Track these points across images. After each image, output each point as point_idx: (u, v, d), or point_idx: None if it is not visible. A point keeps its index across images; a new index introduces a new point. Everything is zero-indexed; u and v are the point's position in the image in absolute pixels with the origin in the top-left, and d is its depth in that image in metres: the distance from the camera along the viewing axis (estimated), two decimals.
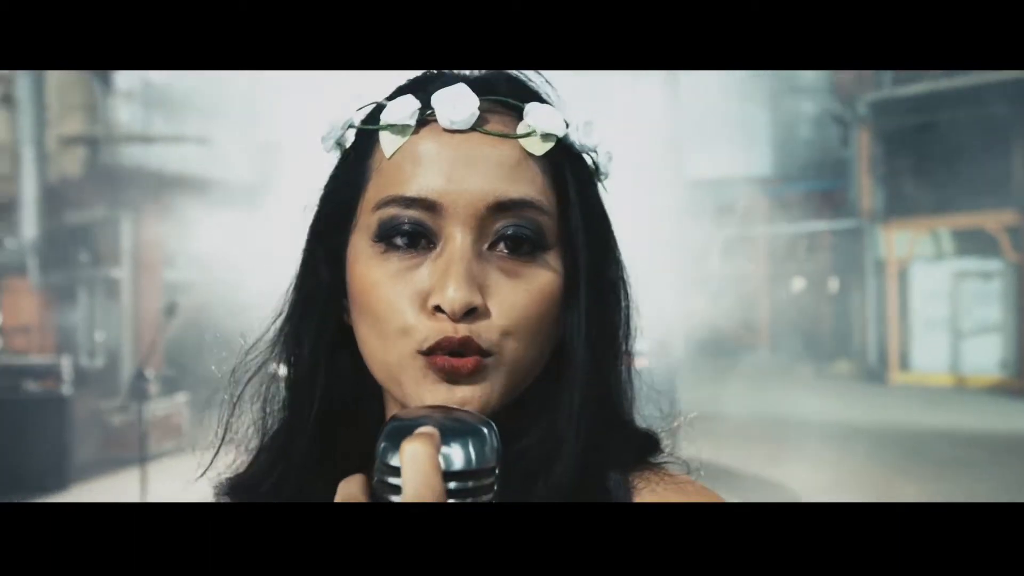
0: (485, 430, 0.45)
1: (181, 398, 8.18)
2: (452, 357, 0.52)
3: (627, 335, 0.61)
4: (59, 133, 13.09)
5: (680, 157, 13.56)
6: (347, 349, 0.58)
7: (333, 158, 0.61)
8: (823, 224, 15.50)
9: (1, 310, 12.41)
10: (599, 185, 0.61)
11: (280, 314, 0.61)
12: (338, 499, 0.45)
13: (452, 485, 0.43)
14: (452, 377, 0.52)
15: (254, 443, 0.64)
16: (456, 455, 0.44)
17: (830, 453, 7.69)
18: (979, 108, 12.69)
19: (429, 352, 0.52)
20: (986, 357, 13.13)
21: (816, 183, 15.63)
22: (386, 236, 0.54)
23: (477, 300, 0.52)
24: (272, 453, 0.61)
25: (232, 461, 0.64)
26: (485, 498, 0.45)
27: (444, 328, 0.52)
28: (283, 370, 0.61)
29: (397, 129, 0.55)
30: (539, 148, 0.55)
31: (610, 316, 0.59)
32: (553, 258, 0.55)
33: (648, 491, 0.57)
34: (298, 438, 0.59)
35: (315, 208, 0.61)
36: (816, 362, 14.93)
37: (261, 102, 10.22)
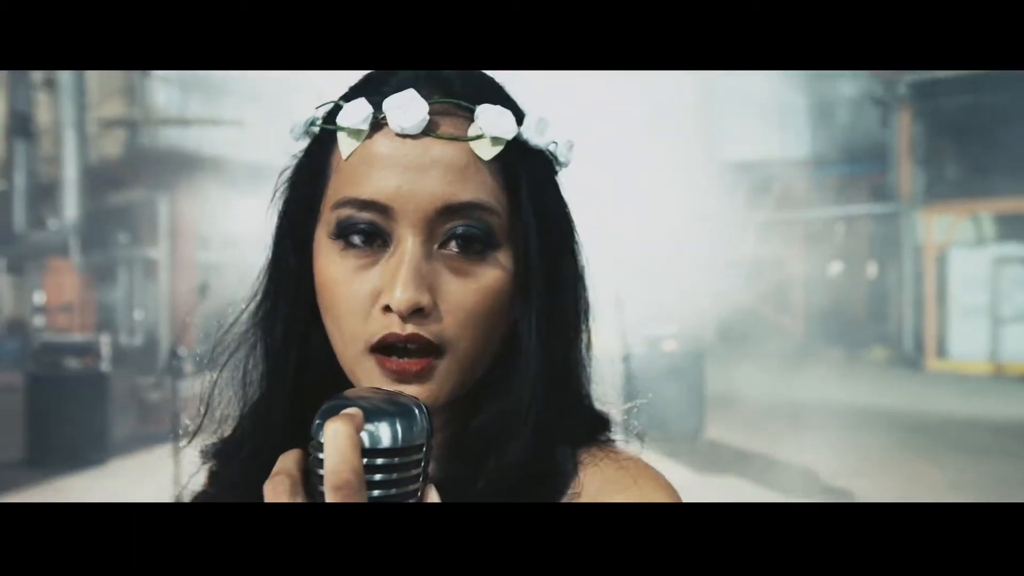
0: (415, 411, 0.48)
1: (214, 402, 8.35)
2: (401, 359, 0.55)
3: (582, 324, 0.63)
4: (99, 116, 13.34)
5: (716, 139, 13.42)
6: (321, 328, 0.61)
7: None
8: (861, 207, 15.23)
9: (44, 289, 12.74)
10: (557, 179, 0.63)
11: (254, 297, 0.64)
12: (273, 473, 0.48)
13: (380, 461, 0.46)
14: (401, 378, 0.55)
15: (235, 413, 0.67)
16: (384, 433, 0.47)
17: (860, 439, 7.61)
18: (1021, 89, 12.33)
19: (378, 348, 0.55)
20: None
21: (854, 166, 15.34)
22: (343, 235, 0.56)
23: (424, 300, 0.54)
24: (252, 421, 0.64)
25: (216, 429, 0.68)
26: (414, 472, 0.48)
27: (391, 324, 0.55)
28: (260, 348, 0.64)
29: (352, 133, 0.57)
30: (488, 152, 0.56)
31: (563, 309, 0.61)
32: (504, 256, 0.57)
33: (592, 467, 0.59)
34: (276, 408, 0.62)
35: (282, 197, 0.63)
36: (851, 348, 14.74)
37: (295, 85, 10.31)
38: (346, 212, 0.56)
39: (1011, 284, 13.15)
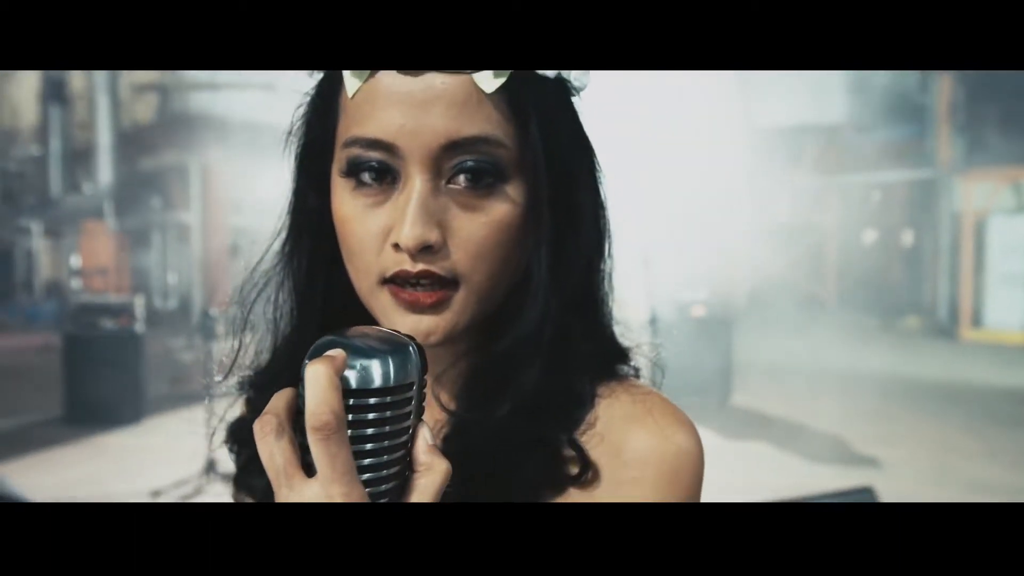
0: (409, 348, 0.48)
1: (247, 338, 8.48)
2: (415, 290, 0.55)
3: (601, 254, 0.62)
4: (131, 81, 13.44)
5: (752, 103, 13.18)
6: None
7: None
8: (898, 174, 14.91)
9: (80, 252, 12.96)
10: (571, 106, 0.61)
11: (279, 234, 0.65)
12: (264, 411, 0.47)
13: (372, 400, 0.46)
14: (415, 308, 0.56)
15: (268, 346, 0.69)
16: (375, 372, 0.46)
17: (891, 408, 7.54)
18: None
19: (391, 281, 0.56)
20: None
21: (892, 131, 14.99)
22: (353, 173, 0.56)
23: (432, 237, 0.54)
24: (285, 352, 0.66)
25: (251, 363, 0.69)
26: (406, 409, 0.47)
27: (402, 261, 0.55)
28: (288, 283, 0.65)
29: (354, 72, 0.56)
30: (490, 84, 0.55)
31: (577, 238, 0.60)
32: (514, 188, 0.57)
33: (608, 398, 0.59)
34: (307, 338, 0.62)
35: (297, 135, 0.63)
36: (884, 316, 14.54)
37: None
38: (354, 151, 0.56)
39: None
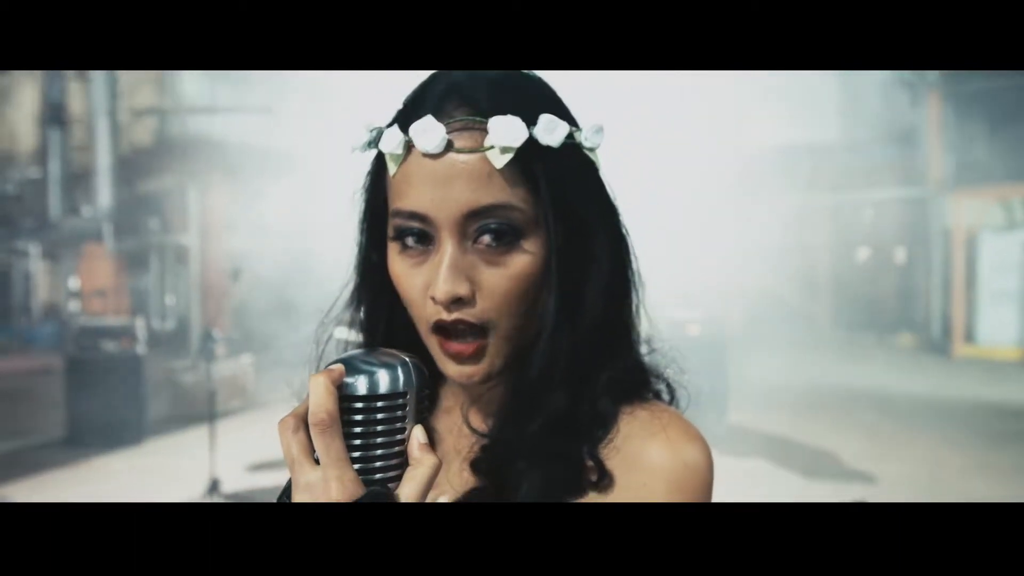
0: (397, 367, 0.60)
1: (246, 359, 8.52)
2: (457, 342, 0.66)
3: (623, 290, 0.71)
4: (130, 105, 13.54)
5: (744, 122, 13.33)
6: (402, 307, 0.72)
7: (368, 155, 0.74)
8: (889, 192, 15.06)
9: (79, 275, 13.01)
10: (585, 165, 0.70)
11: (347, 285, 0.77)
12: (287, 414, 0.60)
13: (358, 405, 0.58)
14: (460, 358, 0.67)
15: None
16: (360, 384, 0.58)
17: (885, 424, 7.61)
18: None
19: (436, 330, 0.67)
20: None
21: (883, 150, 15.16)
22: (399, 238, 0.68)
23: (462, 290, 0.64)
24: None
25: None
26: (399, 413, 0.59)
27: (440, 311, 0.66)
28: (358, 325, 0.77)
29: (391, 157, 0.67)
30: (500, 160, 0.64)
31: (592, 280, 0.69)
32: (530, 243, 0.66)
33: (628, 415, 0.68)
34: None
35: (359, 203, 0.74)
36: (878, 334, 14.63)
37: (320, 73, 10.41)
38: (398, 221, 0.68)
39: None
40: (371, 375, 0.58)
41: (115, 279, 12.84)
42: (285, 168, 11.51)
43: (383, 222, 0.70)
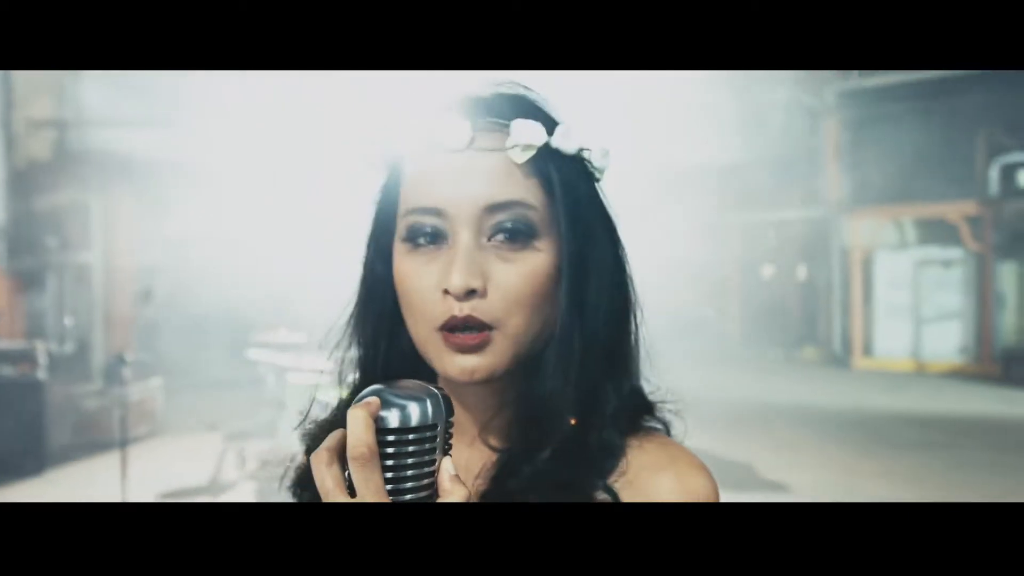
0: (426, 400, 0.59)
1: (155, 382, 8.18)
2: (463, 334, 0.65)
3: (624, 313, 0.73)
4: (26, 116, 12.88)
5: (652, 145, 13.71)
6: (405, 327, 0.72)
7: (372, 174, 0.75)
8: (792, 212, 15.76)
9: None
10: (593, 181, 0.73)
11: (352, 303, 0.76)
12: (320, 447, 0.59)
13: (391, 438, 0.58)
14: (463, 349, 0.66)
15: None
16: (392, 417, 0.58)
17: (796, 436, 7.92)
18: (943, 100, 12.99)
19: (442, 328, 0.66)
20: (946, 343, 13.51)
21: (786, 171, 15.87)
22: (412, 238, 0.68)
23: (476, 283, 0.65)
24: (345, 409, 0.75)
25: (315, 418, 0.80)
26: (428, 446, 0.59)
27: (452, 307, 0.65)
28: (354, 346, 0.76)
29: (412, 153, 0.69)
30: (520, 157, 0.67)
31: (595, 292, 0.70)
32: (544, 243, 0.67)
33: (637, 448, 0.69)
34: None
35: (370, 216, 0.75)
36: (784, 348, 15.24)
37: (222, 83, 10.17)
38: (413, 218, 0.68)
39: (931, 285, 13.81)
40: (403, 408, 0.58)
41: (9, 300, 12.12)
42: (194, 182, 11.16)
43: (390, 232, 0.71)
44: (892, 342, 13.93)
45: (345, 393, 0.76)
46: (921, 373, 13.29)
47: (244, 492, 5.61)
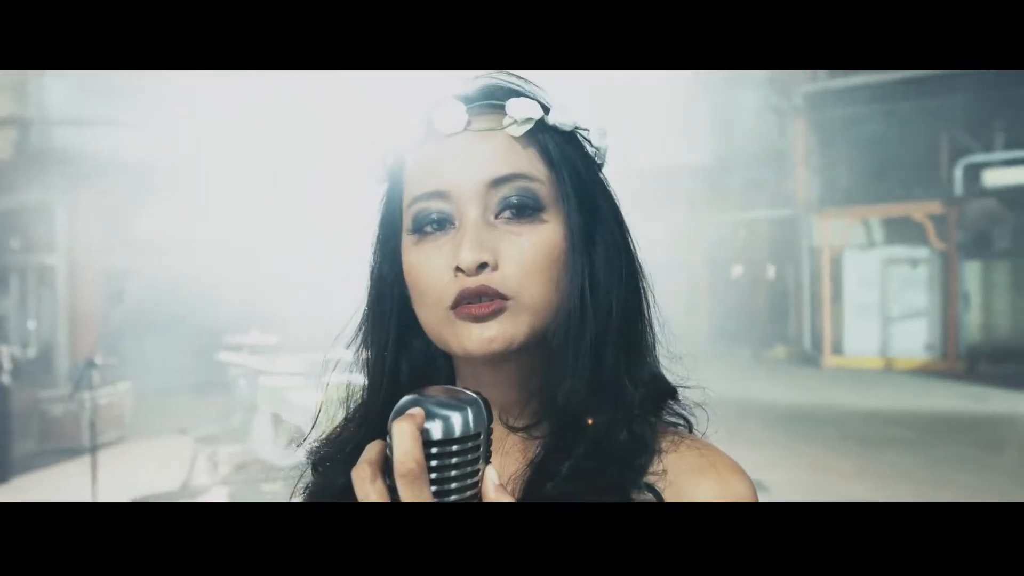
0: (468, 408, 0.57)
1: (123, 387, 8.03)
2: (477, 304, 0.64)
3: (635, 295, 0.72)
4: None
5: (623, 146, 13.76)
6: (419, 332, 0.71)
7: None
8: (761, 212, 15.92)
9: None
10: (592, 161, 0.72)
11: (363, 308, 0.75)
12: (360, 461, 0.57)
13: (434, 450, 0.55)
14: (478, 319, 0.64)
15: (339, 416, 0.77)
16: (435, 428, 0.55)
17: (770, 434, 7.99)
18: (908, 102, 13.21)
19: (455, 304, 0.65)
20: (913, 341, 13.73)
21: (754, 172, 16.03)
22: (418, 227, 0.68)
23: (486, 257, 0.64)
24: (355, 422, 0.74)
25: (320, 433, 0.78)
26: (471, 456, 0.56)
27: (464, 282, 0.64)
28: (364, 354, 0.74)
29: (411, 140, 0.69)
30: (518, 131, 0.67)
31: (605, 272, 0.69)
32: (551, 215, 0.67)
33: (674, 453, 0.67)
34: (376, 407, 0.71)
35: (376, 221, 0.74)
36: (754, 347, 15.38)
37: (198, 82, 10.02)
38: (418, 206, 0.68)
39: (899, 284, 14.04)
40: (445, 419, 0.56)
41: None
42: (161, 183, 10.98)
43: (397, 236, 0.71)
44: (861, 340, 14.13)
45: (325, 395, 0.74)
46: (889, 370, 13.49)
47: (216, 496, 5.53)
